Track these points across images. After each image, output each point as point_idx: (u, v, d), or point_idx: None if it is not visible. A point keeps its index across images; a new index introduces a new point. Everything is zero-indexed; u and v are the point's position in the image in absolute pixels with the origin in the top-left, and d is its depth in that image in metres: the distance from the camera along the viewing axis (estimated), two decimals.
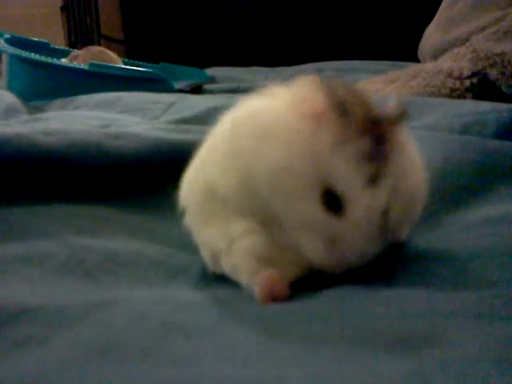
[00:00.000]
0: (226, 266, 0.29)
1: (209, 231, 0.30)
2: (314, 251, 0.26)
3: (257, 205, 0.27)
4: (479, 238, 0.32)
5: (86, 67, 1.07)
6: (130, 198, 0.45)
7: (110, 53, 1.28)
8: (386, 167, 0.25)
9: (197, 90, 1.20)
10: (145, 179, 0.46)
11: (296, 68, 1.40)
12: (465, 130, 0.50)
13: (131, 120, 0.76)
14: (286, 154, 0.26)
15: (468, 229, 0.34)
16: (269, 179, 0.26)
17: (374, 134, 0.25)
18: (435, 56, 1.05)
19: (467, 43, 0.80)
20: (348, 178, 0.25)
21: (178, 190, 0.40)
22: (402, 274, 0.29)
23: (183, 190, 0.34)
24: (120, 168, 0.46)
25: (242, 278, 0.29)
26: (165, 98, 0.90)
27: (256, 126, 0.27)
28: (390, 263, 0.29)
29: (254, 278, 0.28)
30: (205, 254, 0.32)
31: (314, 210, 0.25)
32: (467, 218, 0.37)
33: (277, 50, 1.97)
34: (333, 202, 0.25)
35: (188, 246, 0.40)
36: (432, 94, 0.69)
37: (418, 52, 1.31)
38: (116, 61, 1.26)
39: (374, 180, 0.25)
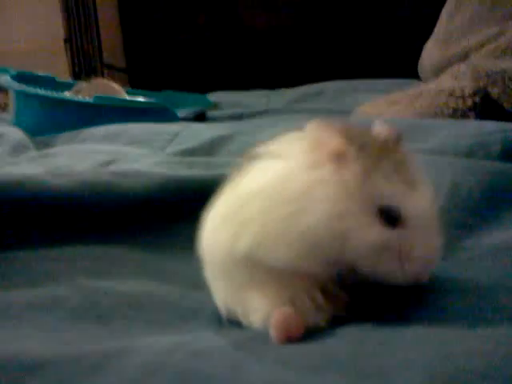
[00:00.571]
0: (240, 310, 0.29)
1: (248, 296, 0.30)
2: (392, 271, 0.27)
3: (316, 261, 0.28)
4: (495, 269, 0.32)
5: (91, 100, 1.09)
6: (139, 236, 0.45)
7: (114, 84, 1.30)
8: (414, 174, 0.28)
9: (201, 117, 1.22)
10: (154, 218, 0.46)
11: (296, 90, 1.41)
12: (471, 153, 0.51)
13: (137, 153, 0.77)
14: (334, 198, 0.27)
15: (479, 259, 0.34)
16: (328, 225, 0.27)
17: (392, 154, 0.28)
18: (435, 72, 1.06)
19: (467, 61, 0.81)
20: (394, 189, 0.27)
21: (193, 234, 0.41)
22: (418, 309, 0.29)
23: (204, 243, 0.33)
24: (129, 207, 0.46)
25: (256, 319, 0.29)
26: (169, 128, 0.91)
27: (289, 191, 0.28)
28: (405, 295, 0.29)
29: (268, 318, 0.28)
30: (219, 301, 0.32)
31: (378, 230, 0.27)
32: (481, 245, 0.36)
33: (277, 72, 2.00)
34: (389, 217, 0.27)
35: (199, 285, 0.40)
36: (435, 115, 0.69)
37: (418, 69, 1.32)
38: (120, 92, 1.28)
39: (414, 185, 0.27)
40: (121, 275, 0.40)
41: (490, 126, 0.57)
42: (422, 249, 0.27)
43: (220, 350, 0.27)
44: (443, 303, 0.29)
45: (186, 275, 0.41)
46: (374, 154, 0.27)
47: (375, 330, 0.27)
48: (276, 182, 0.28)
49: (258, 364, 0.25)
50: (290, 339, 0.27)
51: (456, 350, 0.22)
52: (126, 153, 0.76)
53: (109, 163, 0.66)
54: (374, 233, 0.26)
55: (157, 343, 0.28)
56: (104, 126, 0.98)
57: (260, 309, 0.29)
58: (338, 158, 0.27)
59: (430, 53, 1.23)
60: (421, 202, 0.27)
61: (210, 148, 0.76)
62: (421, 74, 1.28)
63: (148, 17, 2.35)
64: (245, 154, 0.32)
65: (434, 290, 0.31)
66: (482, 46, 0.86)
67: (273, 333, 0.28)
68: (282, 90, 1.51)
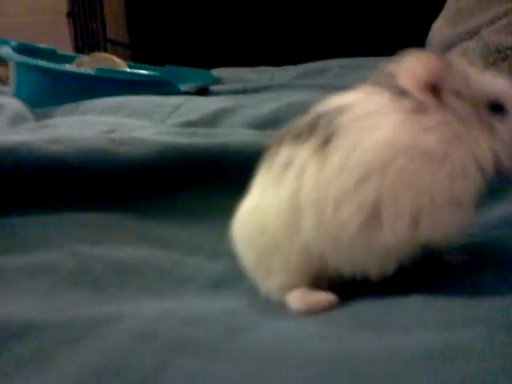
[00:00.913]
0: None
1: None
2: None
3: None
4: (498, 240, 0.31)
5: (93, 72, 1.07)
6: (137, 204, 0.44)
7: (115, 58, 1.28)
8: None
9: (203, 91, 1.20)
10: (152, 185, 0.45)
11: (301, 67, 1.38)
12: None
13: (137, 124, 0.76)
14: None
15: (486, 230, 0.33)
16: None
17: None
18: (444, 49, 1.03)
19: (476, 37, 0.78)
20: (493, 83, 0.28)
21: (194, 201, 0.39)
22: (427, 282, 0.28)
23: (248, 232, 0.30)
24: (126, 174, 0.45)
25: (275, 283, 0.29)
26: (170, 100, 0.89)
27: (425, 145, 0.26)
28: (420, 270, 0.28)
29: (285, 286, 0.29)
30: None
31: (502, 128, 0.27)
32: (484, 218, 0.35)
33: (282, 49, 1.96)
34: (498, 109, 0.27)
35: (196, 251, 0.39)
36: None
37: (426, 46, 1.29)
38: (121, 65, 1.25)
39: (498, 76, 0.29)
40: (117, 242, 0.39)
41: None
42: None
43: (212, 318, 0.26)
44: (447, 273, 0.28)
45: (185, 241, 0.40)
46: (463, 66, 0.28)
47: (378, 300, 0.26)
48: (405, 139, 0.26)
49: (248, 334, 0.24)
50: (310, 311, 0.27)
51: (457, 315, 0.22)
52: (126, 124, 0.74)
53: (108, 133, 0.65)
54: (501, 131, 0.27)
55: (148, 309, 0.27)
56: (105, 99, 0.97)
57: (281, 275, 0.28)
58: (436, 85, 0.27)
59: (439, 31, 1.20)
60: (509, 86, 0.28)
61: (212, 120, 0.74)
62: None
63: None
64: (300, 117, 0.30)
65: (436, 259, 0.30)
66: (492, 22, 0.84)
67: (295, 302, 0.28)
68: (287, 66, 1.48)
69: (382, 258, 0.26)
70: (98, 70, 1.06)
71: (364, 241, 0.26)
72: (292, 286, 0.28)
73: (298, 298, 0.28)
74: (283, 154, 0.28)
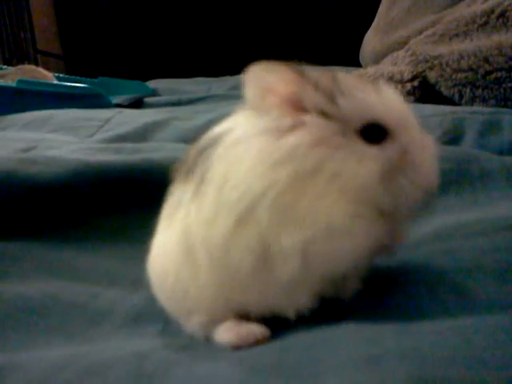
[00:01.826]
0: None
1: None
2: (405, 187, 0.24)
3: None
4: (430, 257, 0.30)
5: (14, 84, 1.00)
6: (49, 231, 0.40)
7: (42, 70, 1.20)
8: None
9: (137, 104, 1.15)
10: (67, 208, 0.41)
11: (239, 77, 1.37)
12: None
13: (61, 140, 0.70)
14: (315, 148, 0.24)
15: (419, 246, 0.32)
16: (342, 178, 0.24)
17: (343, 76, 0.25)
18: (376, 60, 1.05)
19: (406, 46, 0.80)
20: (368, 103, 0.24)
21: (113, 225, 0.35)
22: (361, 307, 0.26)
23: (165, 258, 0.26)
24: (37, 197, 0.40)
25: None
26: (100, 114, 0.84)
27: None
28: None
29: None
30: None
31: (373, 156, 0.24)
32: (417, 233, 0.34)
33: (219, 60, 1.95)
34: (375, 134, 0.24)
35: (114, 282, 0.35)
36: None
37: (360, 57, 1.32)
38: (48, 78, 1.18)
39: (380, 91, 0.25)
40: (22, 276, 0.34)
41: (427, 109, 0.56)
42: (422, 154, 0.25)
43: (123, 361, 0.23)
44: (380, 297, 0.27)
45: (103, 272, 0.37)
46: (328, 83, 0.24)
47: (303, 333, 0.23)
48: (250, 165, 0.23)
49: (164, 381, 0.21)
50: (242, 344, 0.24)
51: (387, 347, 0.20)
52: (49, 140, 0.69)
53: (25, 151, 0.59)
54: (370, 159, 0.23)
55: (47, 357, 0.23)
56: (28, 113, 0.90)
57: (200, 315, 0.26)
58: (295, 101, 0.24)
59: (371, 41, 1.24)
60: (397, 104, 0.25)
61: (142, 134, 0.70)
62: (362, 62, 1.28)
63: (83, 2, 2.22)
64: (193, 144, 0.27)
65: (368, 281, 0.28)
66: (420, 32, 0.86)
67: (226, 335, 0.25)
68: (224, 77, 1.46)
69: (286, 298, 0.24)
70: (20, 82, 0.99)
71: (261, 281, 0.24)
72: (217, 321, 0.25)
73: (228, 331, 0.25)
74: (176, 192, 0.26)
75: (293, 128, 0.24)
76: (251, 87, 0.24)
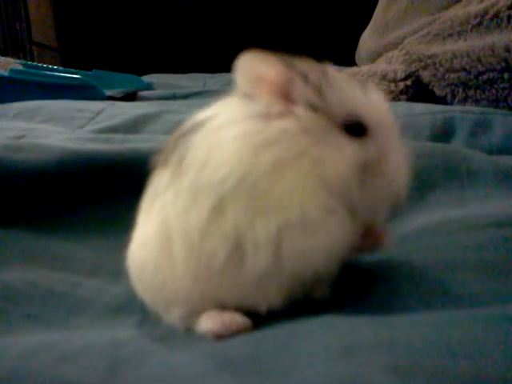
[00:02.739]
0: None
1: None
2: (379, 187, 0.25)
3: None
4: (414, 253, 0.30)
5: (6, 73, 0.99)
6: (33, 219, 0.39)
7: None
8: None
9: (131, 97, 1.14)
10: (52, 196, 0.40)
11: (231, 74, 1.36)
12: (400, 133, 0.49)
13: (51, 130, 0.70)
14: (297, 138, 0.24)
15: (403, 241, 0.32)
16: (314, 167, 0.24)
17: (333, 71, 0.26)
18: (372, 60, 1.06)
19: (400, 46, 0.80)
20: (352, 100, 0.25)
21: (98, 214, 0.35)
22: (340, 299, 0.26)
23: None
24: (21, 185, 0.40)
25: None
26: (92, 105, 0.84)
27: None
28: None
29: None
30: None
31: (353, 148, 0.24)
32: (403, 229, 0.34)
33: (215, 56, 1.94)
34: (356, 129, 0.25)
35: (97, 272, 0.35)
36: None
37: (356, 57, 1.32)
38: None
39: (368, 90, 0.26)
40: (3, 263, 0.34)
41: (419, 107, 0.56)
42: (395, 158, 0.25)
43: (99, 350, 0.23)
44: (358, 291, 0.26)
45: (86, 261, 0.36)
46: (317, 76, 0.25)
47: (280, 326, 0.23)
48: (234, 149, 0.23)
49: (139, 368, 0.20)
50: (226, 332, 0.24)
51: (362, 338, 0.19)
52: (39, 130, 0.68)
53: (14, 139, 0.58)
54: (349, 152, 0.24)
55: (20, 344, 0.23)
56: (19, 103, 0.89)
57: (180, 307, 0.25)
58: (284, 90, 0.24)
59: (367, 42, 1.24)
60: (380, 105, 0.25)
61: (133, 126, 0.70)
62: (358, 62, 1.28)
63: None
64: (176, 130, 0.26)
65: (349, 276, 0.28)
66: (415, 33, 0.86)
67: (209, 323, 0.25)
68: (220, 74, 1.46)
69: (257, 292, 0.24)
70: (13, 71, 0.98)
71: (235, 273, 0.23)
72: (196, 313, 0.25)
73: (211, 319, 0.25)
74: (154, 181, 0.25)
75: (280, 115, 0.24)
76: (241, 74, 0.25)
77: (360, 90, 0.25)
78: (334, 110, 0.24)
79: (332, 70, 0.26)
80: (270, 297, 0.24)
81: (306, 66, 0.25)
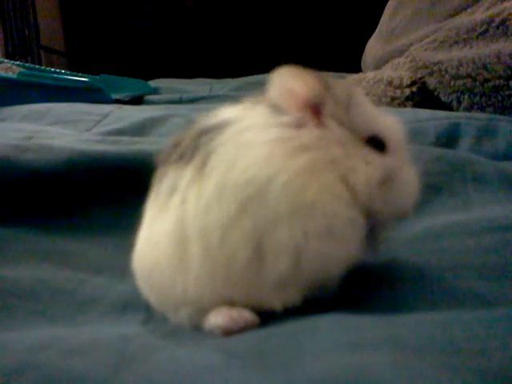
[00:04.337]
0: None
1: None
2: (395, 199, 0.27)
3: None
4: (419, 255, 0.30)
5: (15, 76, 1.00)
6: (42, 218, 0.39)
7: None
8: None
9: (137, 100, 1.15)
10: (60, 195, 0.41)
11: (240, 80, 1.37)
12: (407, 139, 0.49)
13: (59, 132, 0.70)
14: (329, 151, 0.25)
15: (409, 244, 0.32)
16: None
17: (354, 90, 0.28)
18: (377, 67, 1.06)
19: (406, 53, 0.80)
20: (374, 118, 0.27)
21: (106, 215, 0.35)
22: (346, 299, 0.26)
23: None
24: (30, 183, 0.40)
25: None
26: (99, 108, 0.84)
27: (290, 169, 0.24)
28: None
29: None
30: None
31: (378, 161, 0.26)
32: (409, 232, 0.34)
33: (222, 62, 1.95)
34: (378, 145, 0.27)
35: (104, 270, 0.35)
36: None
37: (362, 63, 1.32)
38: None
39: (384, 113, 0.28)
40: (12, 260, 0.34)
41: (424, 113, 0.56)
42: (411, 173, 0.28)
43: (106, 344, 0.23)
44: (365, 291, 0.27)
45: (94, 259, 0.37)
46: (344, 94, 0.27)
47: (286, 323, 0.23)
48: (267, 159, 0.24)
49: (147, 362, 0.21)
50: (235, 327, 0.24)
51: (368, 336, 0.20)
52: (47, 131, 0.69)
53: (23, 140, 0.59)
54: (377, 163, 0.26)
55: (28, 338, 0.23)
56: (27, 105, 0.90)
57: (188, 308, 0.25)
58: (315, 105, 0.26)
59: (373, 48, 1.24)
60: (395, 126, 0.28)
61: (140, 129, 0.70)
62: (364, 69, 1.28)
63: (89, 0, 2.23)
64: (187, 128, 0.27)
65: (356, 277, 0.28)
66: (421, 40, 0.87)
67: (219, 318, 0.25)
68: (225, 79, 1.47)
69: (275, 294, 0.24)
70: (21, 74, 0.99)
71: (254, 275, 0.24)
72: (205, 312, 0.25)
73: (220, 314, 0.25)
74: (169, 177, 0.25)
75: (312, 126, 0.26)
76: (276, 87, 0.26)
77: (379, 111, 0.28)
78: (359, 127, 0.26)
79: (358, 91, 0.28)
80: (288, 297, 0.24)
81: (336, 84, 0.27)
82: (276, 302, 0.24)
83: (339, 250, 0.24)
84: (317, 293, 0.25)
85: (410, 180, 0.27)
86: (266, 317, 0.25)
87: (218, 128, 0.25)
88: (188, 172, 0.24)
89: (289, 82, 0.26)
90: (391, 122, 0.28)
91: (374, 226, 0.26)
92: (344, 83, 0.28)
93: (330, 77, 0.27)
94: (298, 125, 0.25)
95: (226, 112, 0.26)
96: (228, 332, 0.24)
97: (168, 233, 0.25)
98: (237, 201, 0.23)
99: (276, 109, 0.25)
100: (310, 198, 0.23)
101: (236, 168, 0.23)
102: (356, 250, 0.25)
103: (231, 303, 0.25)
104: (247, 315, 0.24)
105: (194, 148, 0.25)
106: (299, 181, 0.23)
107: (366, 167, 0.25)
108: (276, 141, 0.24)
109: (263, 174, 0.23)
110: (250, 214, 0.23)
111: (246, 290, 0.24)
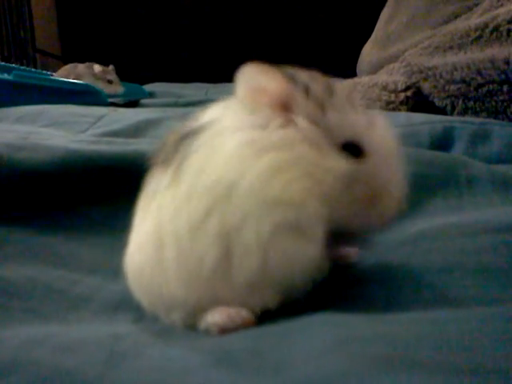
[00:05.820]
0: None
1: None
2: (366, 209, 0.25)
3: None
4: (413, 256, 0.30)
5: (10, 78, 1.00)
6: (35, 217, 0.39)
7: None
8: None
9: (133, 104, 1.15)
10: (54, 194, 0.41)
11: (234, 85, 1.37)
12: (400, 142, 0.49)
13: (54, 133, 0.70)
14: (295, 148, 0.24)
15: (402, 245, 0.32)
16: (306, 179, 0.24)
17: (338, 90, 0.26)
18: (373, 72, 1.07)
19: (401, 58, 0.81)
20: (353, 122, 0.25)
21: (99, 215, 0.35)
22: (339, 299, 0.26)
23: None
24: (23, 183, 0.40)
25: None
26: (94, 111, 0.84)
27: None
28: (330, 286, 0.26)
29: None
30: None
31: (345, 163, 0.25)
32: (401, 234, 0.34)
33: (218, 66, 1.96)
34: (353, 151, 0.25)
35: (96, 269, 0.35)
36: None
37: (357, 69, 1.33)
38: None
39: (371, 117, 0.26)
40: (3, 259, 0.34)
41: (418, 117, 0.57)
42: (391, 183, 0.26)
43: (97, 342, 0.23)
44: (357, 291, 0.27)
45: (86, 258, 0.36)
46: (320, 92, 0.25)
47: (278, 322, 0.23)
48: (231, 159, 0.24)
49: (137, 360, 0.21)
50: (232, 326, 0.24)
51: (359, 333, 0.20)
52: (41, 133, 0.68)
53: (20, 140, 0.59)
54: (342, 164, 0.24)
55: (20, 336, 0.23)
56: (22, 107, 0.90)
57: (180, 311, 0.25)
58: (285, 103, 0.25)
59: (369, 54, 1.25)
60: (381, 132, 0.26)
61: (134, 131, 0.70)
62: (359, 74, 1.29)
63: (85, 3, 2.23)
64: (171, 133, 0.27)
65: (349, 278, 0.28)
66: (416, 46, 0.87)
67: (217, 317, 0.24)
68: (222, 84, 1.47)
69: (249, 296, 0.24)
70: (17, 75, 0.99)
71: (223, 277, 0.23)
72: (199, 313, 0.25)
73: (218, 312, 0.25)
74: (153, 180, 0.26)
75: (281, 125, 0.25)
76: (243, 86, 0.25)
77: (362, 113, 0.26)
78: (333, 128, 0.25)
79: (339, 87, 0.26)
80: (260, 300, 0.24)
81: (310, 79, 0.26)
82: (253, 304, 0.24)
83: (305, 248, 0.23)
84: (292, 295, 0.25)
85: (387, 192, 0.26)
86: (262, 316, 0.25)
87: (196, 132, 0.25)
88: (167, 176, 0.25)
89: (255, 79, 0.25)
90: (376, 127, 0.26)
91: (344, 232, 0.26)
92: (322, 79, 0.26)
93: (307, 73, 0.26)
94: (267, 125, 0.24)
95: (206, 114, 0.26)
96: (225, 330, 0.24)
97: (148, 236, 0.25)
98: (204, 203, 0.23)
99: (246, 108, 0.25)
100: (276, 192, 0.23)
101: (205, 171, 0.23)
102: (320, 251, 0.24)
103: (221, 304, 0.25)
104: (244, 314, 0.24)
105: (174, 152, 0.25)
106: (265, 178, 0.23)
107: (333, 165, 0.24)
108: (245, 142, 0.24)
109: (230, 176, 0.23)
110: (217, 215, 0.23)
111: (222, 292, 0.24)
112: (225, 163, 0.23)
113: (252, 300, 0.24)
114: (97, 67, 1.24)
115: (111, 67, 1.30)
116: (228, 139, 0.24)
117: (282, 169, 0.23)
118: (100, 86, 1.15)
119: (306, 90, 0.25)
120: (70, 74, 1.21)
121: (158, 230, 0.24)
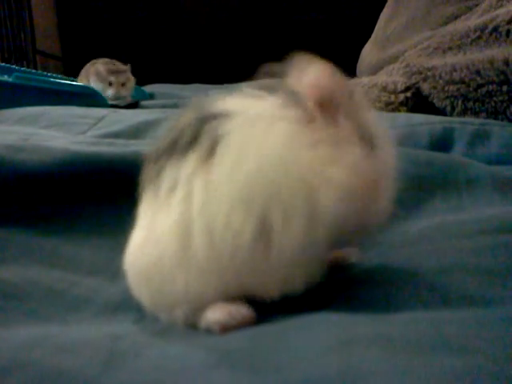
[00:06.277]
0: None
1: None
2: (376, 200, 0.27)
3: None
4: (412, 256, 0.30)
5: (10, 79, 1.00)
6: (34, 218, 0.39)
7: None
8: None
9: (133, 105, 1.15)
10: (54, 195, 0.41)
11: (237, 85, 1.38)
12: (400, 142, 0.49)
13: (54, 135, 0.70)
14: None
15: (402, 246, 0.32)
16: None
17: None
18: (372, 73, 1.07)
19: (400, 59, 0.81)
20: (366, 117, 0.27)
21: (98, 216, 0.35)
22: (331, 298, 0.26)
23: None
24: (23, 185, 0.40)
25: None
26: (94, 112, 0.84)
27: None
28: (330, 286, 0.26)
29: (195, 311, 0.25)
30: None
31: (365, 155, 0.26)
32: (401, 234, 0.35)
33: (219, 68, 1.96)
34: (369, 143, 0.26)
35: (96, 271, 0.35)
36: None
37: (357, 70, 1.33)
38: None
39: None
40: (2, 260, 0.34)
41: (417, 118, 0.57)
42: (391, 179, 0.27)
43: (97, 342, 0.23)
44: (357, 292, 0.27)
45: (86, 260, 0.36)
46: (359, 94, 0.27)
47: (278, 321, 0.23)
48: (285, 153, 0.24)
49: (137, 360, 0.21)
50: (233, 323, 0.24)
51: (359, 333, 0.20)
52: (41, 134, 0.68)
53: (21, 141, 0.59)
54: (370, 163, 0.25)
55: (19, 336, 0.23)
56: (22, 108, 0.90)
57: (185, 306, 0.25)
58: (333, 101, 0.25)
59: (368, 55, 1.25)
60: (385, 132, 0.28)
61: (135, 132, 0.70)
62: (359, 75, 1.29)
63: (85, 4, 2.23)
64: (178, 117, 0.26)
65: (349, 279, 0.28)
66: (415, 46, 0.88)
67: (217, 314, 0.25)
68: (223, 85, 1.47)
69: (285, 275, 0.24)
70: (18, 77, 0.99)
71: (259, 257, 0.24)
72: (201, 310, 0.25)
73: (219, 310, 0.25)
74: (168, 172, 0.25)
75: (327, 122, 0.25)
76: (299, 76, 0.25)
77: (372, 114, 0.28)
78: (362, 127, 0.26)
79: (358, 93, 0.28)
80: (291, 282, 0.24)
81: (351, 85, 0.28)
82: (278, 287, 0.24)
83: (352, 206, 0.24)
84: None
85: (384, 193, 0.27)
86: (262, 314, 0.25)
87: (223, 117, 0.25)
88: (190, 163, 0.24)
89: (315, 74, 0.25)
90: (382, 127, 0.28)
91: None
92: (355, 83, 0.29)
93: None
94: (309, 121, 0.25)
95: (229, 101, 0.26)
96: (225, 327, 0.24)
97: (171, 229, 0.24)
98: (245, 191, 0.23)
99: (289, 100, 0.25)
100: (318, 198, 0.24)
101: (245, 162, 0.23)
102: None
103: (231, 298, 0.25)
104: (244, 311, 0.24)
105: (194, 136, 0.24)
106: (310, 175, 0.24)
107: (361, 162, 0.25)
108: (289, 134, 0.24)
109: (271, 171, 0.23)
110: (257, 201, 0.23)
111: (251, 277, 0.24)
112: (272, 152, 0.24)
113: (280, 283, 0.24)
114: (101, 66, 1.24)
115: (127, 67, 1.29)
116: (270, 128, 0.24)
117: (327, 165, 0.24)
118: (100, 87, 1.15)
119: (351, 92, 0.26)
120: (86, 71, 1.20)
121: (185, 221, 0.24)
